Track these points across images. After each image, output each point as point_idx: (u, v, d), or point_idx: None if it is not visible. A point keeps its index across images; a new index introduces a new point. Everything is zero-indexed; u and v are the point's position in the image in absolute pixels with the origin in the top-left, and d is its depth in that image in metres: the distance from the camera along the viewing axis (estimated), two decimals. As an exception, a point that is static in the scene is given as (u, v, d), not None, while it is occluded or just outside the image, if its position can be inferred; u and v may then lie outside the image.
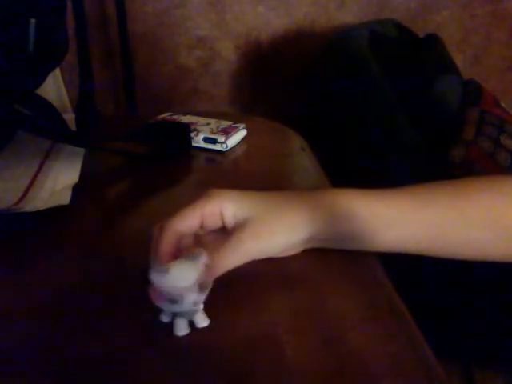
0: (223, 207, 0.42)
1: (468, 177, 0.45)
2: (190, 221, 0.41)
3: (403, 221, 0.42)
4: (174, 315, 0.37)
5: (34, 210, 0.51)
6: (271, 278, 0.43)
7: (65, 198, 0.53)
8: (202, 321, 0.38)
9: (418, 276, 0.88)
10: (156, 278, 0.36)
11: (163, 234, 0.40)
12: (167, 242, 0.40)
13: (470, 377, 0.91)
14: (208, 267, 0.37)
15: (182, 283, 0.36)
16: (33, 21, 0.52)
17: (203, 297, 0.37)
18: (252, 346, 0.36)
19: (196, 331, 0.37)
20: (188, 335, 0.37)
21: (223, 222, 0.42)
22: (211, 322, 0.38)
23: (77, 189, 0.56)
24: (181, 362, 0.35)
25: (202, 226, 0.42)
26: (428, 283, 0.91)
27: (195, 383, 0.34)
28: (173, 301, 0.35)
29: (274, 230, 0.41)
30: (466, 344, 0.91)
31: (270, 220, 0.41)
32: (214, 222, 0.42)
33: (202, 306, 0.37)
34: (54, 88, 0.76)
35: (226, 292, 0.39)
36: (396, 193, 0.43)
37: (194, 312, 0.37)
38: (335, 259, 0.44)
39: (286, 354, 0.35)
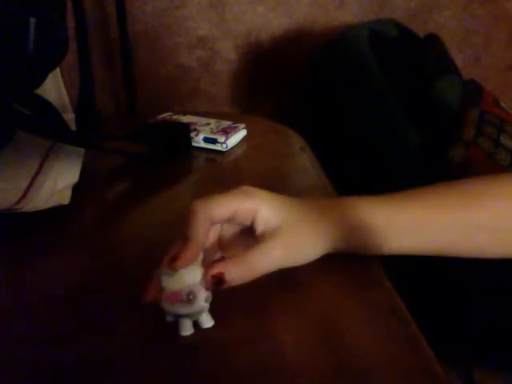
0: (259, 209, 0.40)
1: (472, 178, 0.47)
2: (224, 211, 0.39)
3: (415, 229, 0.43)
4: (180, 316, 0.37)
5: (34, 210, 0.51)
6: (271, 278, 0.43)
7: (65, 198, 0.53)
8: (208, 321, 0.37)
9: (418, 276, 0.88)
10: (166, 280, 0.36)
11: (196, 217, 0.37)
12: (202, 225, 0.37)
13: (470, 377, 0.91)
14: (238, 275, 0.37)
15: (192, 280, 0.36)
16: (33, 20, 0.52)
17: (210, 295, 0.37)
18: (252, 345, 0.36)
19: (197, 331, 0.37)
20: (188, 335, 0.37)
21: (252, 223, 0.40)
22: (211, 322, 0.38)
23: (77, 189, 0.56)
24: (181, 361, 0.35)
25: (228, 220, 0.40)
26: (428, 283, 0.90)
27: (195, 382, 0.34)
28: (187, 300, 0.35)
29: (304, 241, 0.41)
30: (466, 344, 0.91)
31: (300, 231, 0.41)
32: (241, 220, 0.40)
33: (207, 306, 0.37)
34: (54, 88, 0.76)
35: (226, 292, 0.39)
36: (409, 200, 0.44)
37: (200, 312, 0.37)
38: (335, 259, 0.44)
39: (286, 354, 0.35)
